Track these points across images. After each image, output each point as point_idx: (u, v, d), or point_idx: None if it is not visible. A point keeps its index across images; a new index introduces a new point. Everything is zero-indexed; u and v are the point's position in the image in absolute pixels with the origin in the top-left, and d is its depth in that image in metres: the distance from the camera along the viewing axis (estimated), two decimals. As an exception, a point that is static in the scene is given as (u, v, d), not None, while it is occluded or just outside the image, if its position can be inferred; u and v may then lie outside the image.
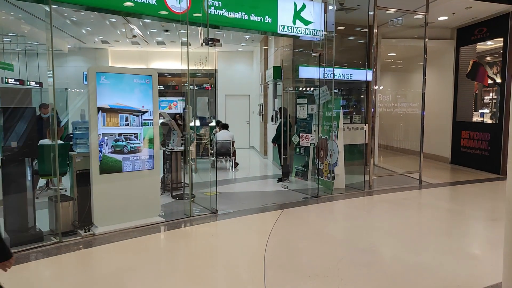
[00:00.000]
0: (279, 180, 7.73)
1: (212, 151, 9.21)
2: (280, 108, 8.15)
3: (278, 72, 9.02)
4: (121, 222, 4.69)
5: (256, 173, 9.30)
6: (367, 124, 7.83)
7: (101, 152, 4.50)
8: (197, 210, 5.56)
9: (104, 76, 4.49)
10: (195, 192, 6.57)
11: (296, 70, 8.67)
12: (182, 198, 6.32)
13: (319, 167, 7.35)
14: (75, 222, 4.59)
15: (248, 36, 11.13)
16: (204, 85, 14.20)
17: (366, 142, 7.59)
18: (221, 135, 9.22)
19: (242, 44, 12.37)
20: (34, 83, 11.60)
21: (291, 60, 8.78)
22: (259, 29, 5.99)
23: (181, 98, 16.19)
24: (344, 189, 7.05)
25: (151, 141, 4.91)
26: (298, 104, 7.29)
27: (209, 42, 5.21)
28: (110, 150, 4.58)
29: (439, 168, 9.39)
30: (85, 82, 13.45)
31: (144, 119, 4.78)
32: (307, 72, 8.57)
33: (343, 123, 7.51)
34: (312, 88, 8.64)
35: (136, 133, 4.75)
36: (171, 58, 13.81)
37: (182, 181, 6.74)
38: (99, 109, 4.43)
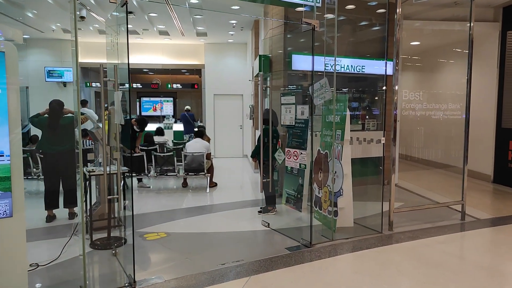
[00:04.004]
0: (261, 211, 5.56)
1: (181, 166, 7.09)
2: (267, 110, 5.91)
3: (265, 63, 6.80)
4: None
5: (238, 196, 7.10)
6: (385, 133, 5.58)
7: None
8: (107, 277, 3.44)
9: None
10: (131, 233, 4.44)
11: (289, 59, 6.50)
12: (105, 247, 4.21)
13: (317, 194, 5.16)
14: None
15: (235, 21, 8.99)
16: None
17: (384, 154, 5.31)
18: (192, 146, 7.08)
19: (231, 32, 10.20)
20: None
21: (283, 47, 6.60)
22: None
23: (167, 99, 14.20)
24: (352, 228, 4.87)
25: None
26: (283, 104, 5.09)
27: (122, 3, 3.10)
28: None
29: (480, 190, 7.08)
30: (48, 79, 11.44)
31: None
32: (304, 62, 6.40)
33: (352, 131, 5.34)
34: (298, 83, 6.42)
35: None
36: (148, 51, 11.74)
37: (114, 216, 4.62)
38: None
